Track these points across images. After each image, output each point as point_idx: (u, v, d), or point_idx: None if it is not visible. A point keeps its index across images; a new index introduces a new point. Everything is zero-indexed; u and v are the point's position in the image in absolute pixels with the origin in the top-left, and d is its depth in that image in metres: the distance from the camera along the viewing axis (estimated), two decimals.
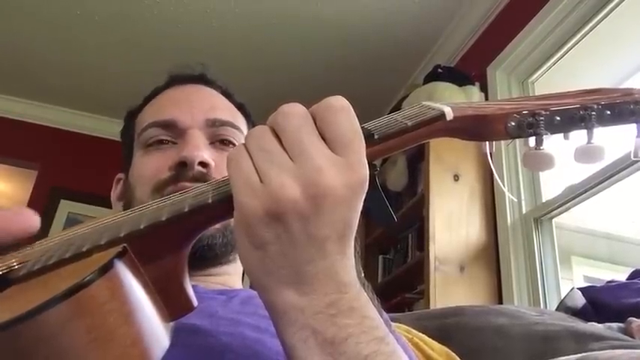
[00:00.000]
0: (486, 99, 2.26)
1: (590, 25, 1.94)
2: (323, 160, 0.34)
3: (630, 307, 1.03)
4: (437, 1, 2.50)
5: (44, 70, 3.19)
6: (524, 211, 1.96)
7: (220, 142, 0.70)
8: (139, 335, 0.31)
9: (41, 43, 2.97)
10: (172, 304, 0.36)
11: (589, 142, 0.43)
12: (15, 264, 0.37)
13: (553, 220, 1.91)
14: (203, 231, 0.39)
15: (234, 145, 0.71)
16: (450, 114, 0.41)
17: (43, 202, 3.31)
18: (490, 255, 1.96)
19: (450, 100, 2.20)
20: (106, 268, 0.30)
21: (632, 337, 0.88)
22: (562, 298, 1.21)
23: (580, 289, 1.19)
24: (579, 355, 0.71)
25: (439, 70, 2.34)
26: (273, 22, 2.70)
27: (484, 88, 2.29)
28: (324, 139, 0.35)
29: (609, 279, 1.29)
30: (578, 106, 0.43)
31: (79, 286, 0.28)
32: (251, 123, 0.78)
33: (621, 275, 1.38)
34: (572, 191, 1.78)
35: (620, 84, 2.01)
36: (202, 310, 0.53)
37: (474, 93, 2.22)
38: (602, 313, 1.06)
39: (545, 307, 1.73)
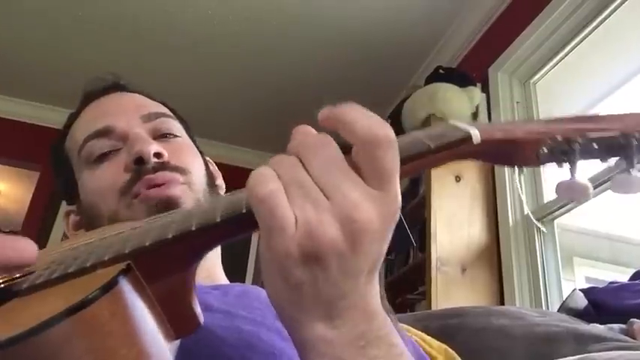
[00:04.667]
0: (488, 100, 2.26)
1: (592, 26, 1.94)
2: (357, 194, 0.33)
3: (632, 309, 1.03)
4: (438, 2, 2.50)
5: (46, 71, 3.19)
6: (525, 212, 1.96)
7: (161, 136, 0.68)
8: (140, 357, 0.30)
9: (43, 44, 2.98)
10: (178, 322, 0.35)
11: (629, 171, 0.39)
12: (17, 276, 0.36)
13: (555, 221, 1.91)
14: (213, 248, 0.37)
15: (175, 135, 0.69)
16: (477, 137, 0.38)
17: (45, 203, 3.32)
18: (492, 256, 1.95)
19: (450, 102, 2.20)
20: (109, 286, 0.29)
21: (634, 338, 0.88)
22: (564, 299, 1.21)
23: (582, 290, 1.19)
24: (579, 356, 0.71)
25: (440, 71, 2.34)
26: (274, 23, 2.70)
27: (485, 89, 2.28)
28: (360, 171, 0.34)
29: (611, 280, 1.29)
30: (618, 133, 0.38)
31: (81, 305, 0.28)
32: (178, 119, 0.74)
33: (623, 276, 1.38)
34: None
35: (623, 85, 2.01)
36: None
37: (476, 94, 2.21)
38: (604, 315, 1.06)
39: (547, 308, 1.73)
